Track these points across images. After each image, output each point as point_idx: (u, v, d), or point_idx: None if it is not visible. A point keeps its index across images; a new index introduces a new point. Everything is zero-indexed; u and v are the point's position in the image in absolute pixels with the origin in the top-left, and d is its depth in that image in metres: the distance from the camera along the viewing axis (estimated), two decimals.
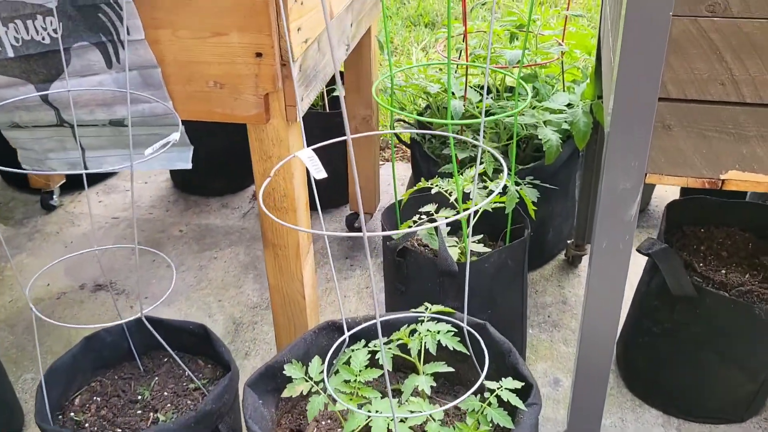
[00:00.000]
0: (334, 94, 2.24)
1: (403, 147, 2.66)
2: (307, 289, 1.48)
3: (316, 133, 2.19)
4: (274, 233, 1.42)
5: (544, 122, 1.70)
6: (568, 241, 2.03)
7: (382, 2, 1.42)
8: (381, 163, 2.61)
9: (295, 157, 1.07)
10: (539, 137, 1.68)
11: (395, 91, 1.99)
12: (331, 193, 2.32)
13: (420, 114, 2.06)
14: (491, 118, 1.22)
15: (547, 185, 1.77)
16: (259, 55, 1.22)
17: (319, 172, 0.95)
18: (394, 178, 1.57)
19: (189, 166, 1.34)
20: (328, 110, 2.23)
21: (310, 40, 1.32)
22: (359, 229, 2.22)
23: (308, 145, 1.80)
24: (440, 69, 2.14)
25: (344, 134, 2.04)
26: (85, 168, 1.31)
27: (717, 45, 0.96)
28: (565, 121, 1.70)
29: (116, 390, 1.32)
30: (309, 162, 0.95)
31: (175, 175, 2.51)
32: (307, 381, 1.09)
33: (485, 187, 1.52)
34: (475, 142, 0.97)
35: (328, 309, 1.92)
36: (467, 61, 1.83)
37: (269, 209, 1.40)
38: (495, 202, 1.54)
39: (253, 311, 1.91)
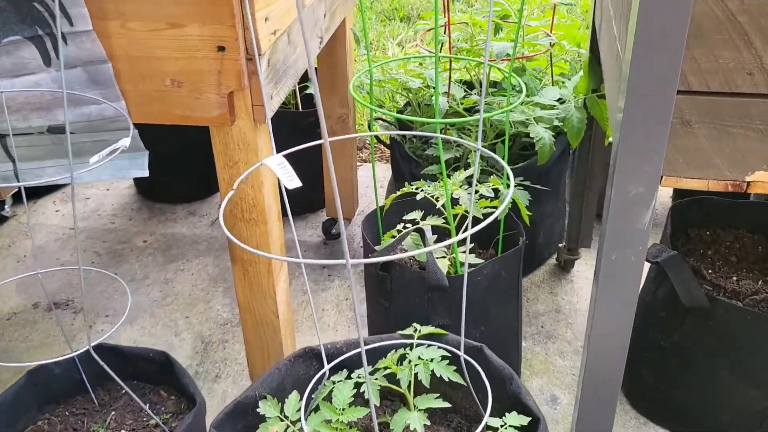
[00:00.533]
0: (308, 91, 2.10)
1: (382, 147, 2.52)
2: (281, 307, 1.34)
3: (289, 134, 2.05)
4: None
5: (535, 119, 1.57)
6: (560, 245, 1.91)
7: None
8: (358, 163, 2.47)
9: (264, 165, 0.93)
10: (530, 135, 1.56)
11: (373, 88, 1.86)
12: (305, 197, 2.17)
13: (400, 112, 1.93)
14: (487, 115, 1.09)
15: (539, 186, 1.65)
16: (221, 48, 1.07)
17: (292, 181, 0.81)
18: (375, 183, 1.44)
19: (145, 173, 1.19)
20: (300, 109, 2.09)
21: (280, 31, 1.18)
22: (337, 236, 2.08)
23: (280, 149, 1.66)
24: (420, 63, 2.00)
25: (319, 135, 1.89)
26: (19, 180, 1.15)
27: (745, 29, 0.84)
28: (557, 118, 1.58)
29: (67, 428, 1.18)
30: (279, 170, 0.81)
31: (139, 181, 2.35)
32: (282, 420, 0.95)
33: (476, 191, 1.39)
34: (468, 143, 0.84)
35: (305, 324, 1.78)
36: (450, 52, 1.70)
37: (236, 220, 1.26)
38: (486, 207, 1.42)
39: (223, 329, 1.77)
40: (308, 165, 2.06)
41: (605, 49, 1.27)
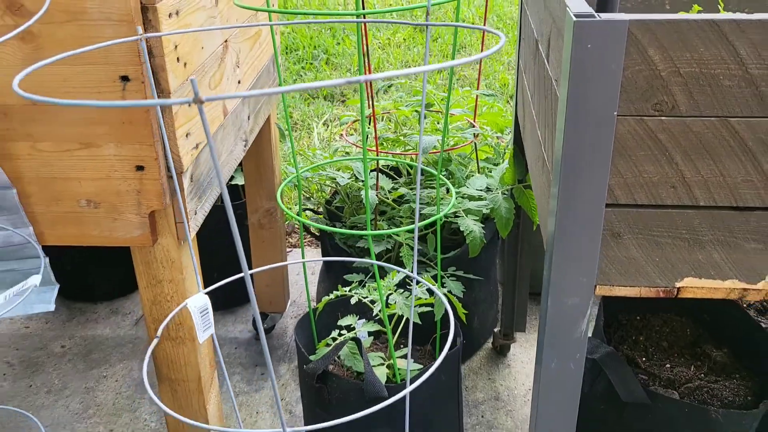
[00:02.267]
0: (234, 182, 2.05)
1: (312, 238, 2.48)
2: (213, 425, 1.27)
3: (217, 227, 2.00)
4: (170, 367, 1.21)
5: (464, 211, 1.58)
6: (495, 330, 1.90)
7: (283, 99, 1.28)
8: (288, 250, 2.43)
9: (187, 287, 0.88)
10: (459, 226, 1.56)
11: (300, 181, 1.83)
12: (234, 287, 2.11)
13: (328, 202, 1.91)
14: (424, 223, 1.07)
15: (472, 276, 1.64)
16: (140, 168, 1.03)
17: (205, 332, 0.76)
18: (307, 288, 1.40)
19: (51, 307, 1.11)
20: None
21: (203, 143, 1.14)
22: (269, 330, 2.01)
23: (206, 244, 1.59)
24: (347, 152, 2.00)
25: (247, 226, 1.81)
26: None
27: (666, 146, 0.86)
28: (486, 208, 1.59)
29: None
30: (199, 317, 0.77)
31: (56, 277, 2.23)
32: None
33: (409, 290, 1.37)
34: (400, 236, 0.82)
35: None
36: (377, 145, 1.70)
37: (162, 338, 1.19)
38: (421, 304, 1.40)
39: None
40: (235, 255, 2.00)
41: (530, 147, 1.29)
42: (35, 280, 0.85)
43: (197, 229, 1.14)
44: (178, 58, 1.02)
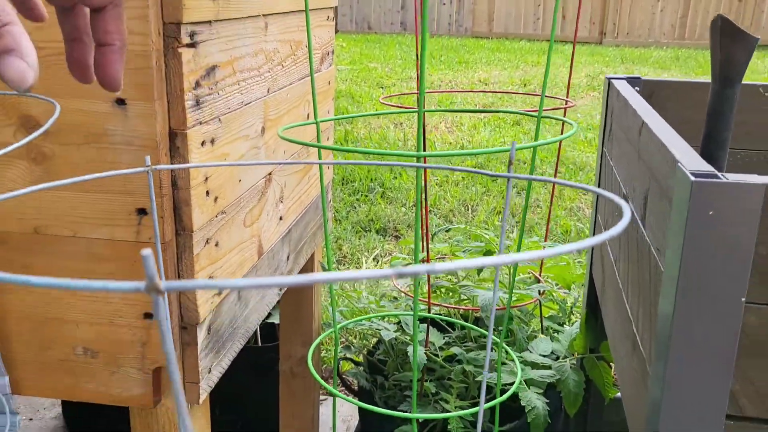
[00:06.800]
0: (270, 320, 1.89)
1: (349, 391, 2.26)
2: None
3: (246, 372, 1.81)
4: None
5: (526, 381, 1.36)
6: None
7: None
8: (322, 398, 2.20)
9: None
10: (521, 400, 1.33)
11: (339, 331, 1.65)
12: None
13: (371, 352, 1.71)
14: (489, 405, 0.87)
15: None
16: (149, 316, 0.87)
17: None
18: None
19: None
20: (260, 343, 1.86)
21: (227, 290, 0.98)
22: None
23: (234, 389, 1.42)
24: (395, 297, 1.82)
25: (278, 372, 1.61)
26: None
27: None
28: (551, 379, 1.37)
29: None
30: None
31: (68, 409, 2.05)
32: None
33: None
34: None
35: None
36: (429, 296, 1.52)
37: None
38: None
39: None
40: (263, 409, 1.80)
41: (612, 319, 1.09)
42: None
43: (210, 389, 0.96)
44: (207, 192, 0.88)
